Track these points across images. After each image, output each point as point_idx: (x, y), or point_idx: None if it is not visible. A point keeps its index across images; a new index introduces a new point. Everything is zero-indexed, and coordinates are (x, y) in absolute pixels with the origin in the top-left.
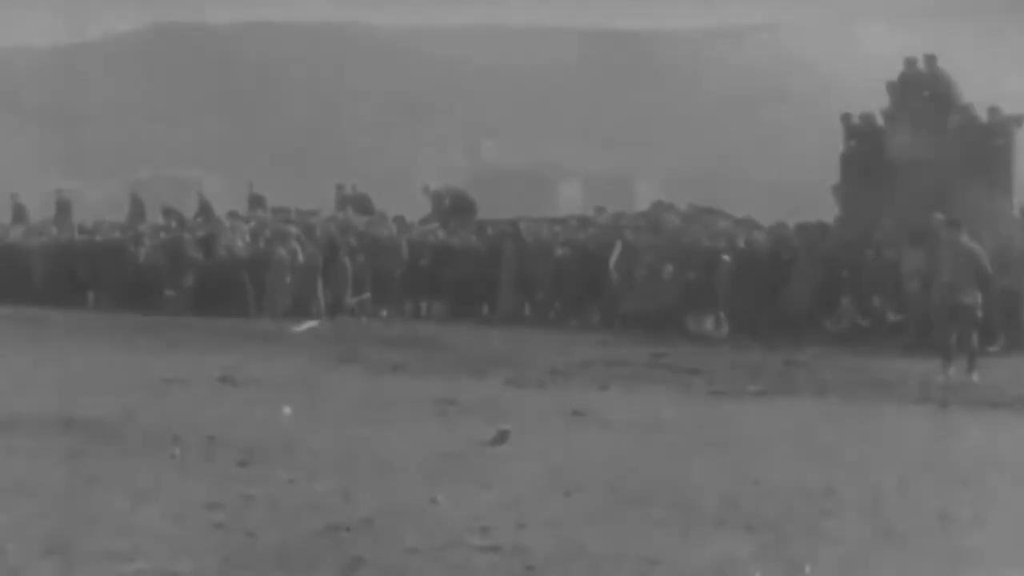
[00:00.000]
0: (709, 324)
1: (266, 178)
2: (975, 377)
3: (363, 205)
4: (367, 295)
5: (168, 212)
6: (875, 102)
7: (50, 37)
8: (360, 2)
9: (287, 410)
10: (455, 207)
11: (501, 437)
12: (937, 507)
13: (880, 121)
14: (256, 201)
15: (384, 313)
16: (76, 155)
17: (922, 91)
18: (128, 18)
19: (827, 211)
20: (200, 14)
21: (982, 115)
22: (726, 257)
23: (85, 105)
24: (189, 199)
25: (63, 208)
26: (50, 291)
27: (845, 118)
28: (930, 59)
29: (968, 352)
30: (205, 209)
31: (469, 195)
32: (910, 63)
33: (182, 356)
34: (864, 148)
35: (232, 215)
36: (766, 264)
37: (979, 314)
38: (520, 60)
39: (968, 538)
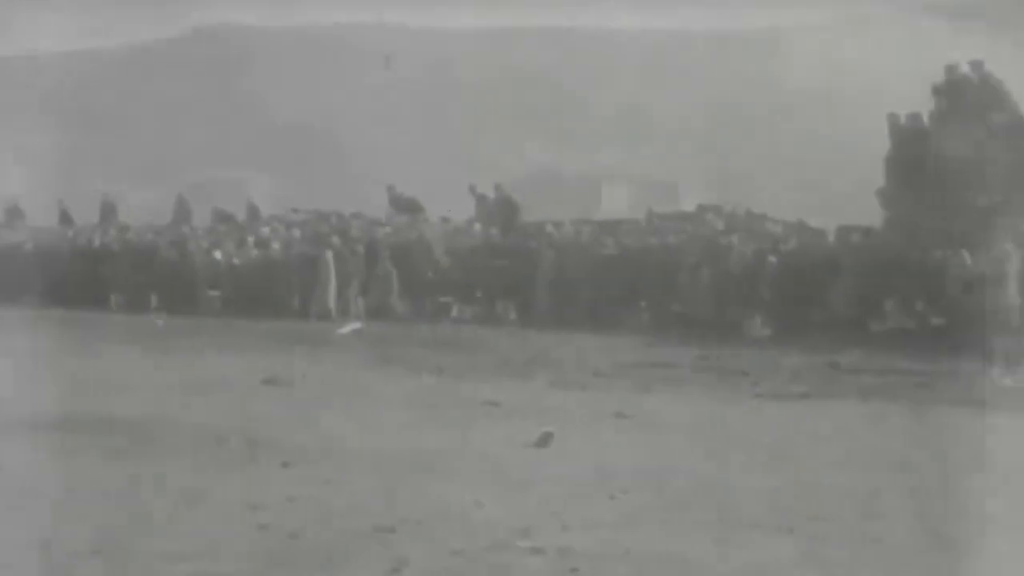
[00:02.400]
0: (755, 326)
1: (314, 180)
2: (1011, 380)
3: (411, 207)
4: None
5: (219, 214)
6: (922, 103)
7: (95, 41)
8: (404, 4)
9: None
10: (500, 209)
11: (545, 439)
12: (981, 509)
13: (926, 122)
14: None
15: (426, 315)
16: (121, 158)
17: (969, 93)
18: (174, 22)
19: (874, 213)
20: (245, 18)
21: None
22: (772, 259)
23: (130, 108)
24: (236, 200)
25: (107, 211)
26: (87, 293)
27: (891, 119)
28: (977, 65)
29: (1011, 355)
30: (253, 212)
31: (514, 197)
32: (951, 69)
33: (226, 357)
34: (910, 150)
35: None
36: (811, 266)
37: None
38: (565, 62)
39: (1013, 541)
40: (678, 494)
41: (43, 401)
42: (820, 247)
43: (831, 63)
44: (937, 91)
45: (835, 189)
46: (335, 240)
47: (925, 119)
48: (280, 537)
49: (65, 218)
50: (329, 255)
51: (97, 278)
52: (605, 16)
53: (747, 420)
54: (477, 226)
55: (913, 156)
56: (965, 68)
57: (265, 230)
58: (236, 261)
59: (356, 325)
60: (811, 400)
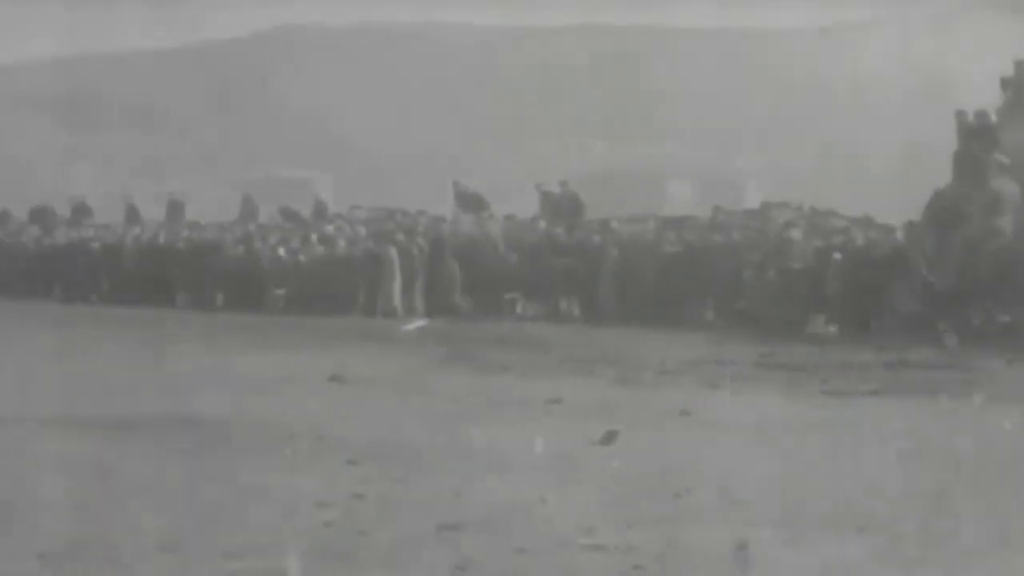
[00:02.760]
0: (820, 323)
1: (380, 178)
2: None
3: (476, 203)
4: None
5: (285, 212)
6: (991, 100)
7: (163, 40)
8: (473, 4)
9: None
10: (565, 206)
11: (609, 437)
12: None
13: (994, 120)
14: None
15: (491, 312)
16: (186, 156)
17: None
18: (245, 21)
19: None
20: (317, 15)
21: None
22: (838, 256)
23: (195, 107)
24: (302, 198)
25: (175, 209)
26: (154, 291)
27: (959, 116)
28: None
29: None
30: (320, 209)
31: (579, 195)
32: (1021, 65)
33: (292, 355)
34: (977, 147)
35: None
36: (878, 263)
37: None
38: (629, 59)
39: None
40: (744, 492)
41: (109, 399)
42: (887, 244)
43: (900, 59)
44: (1005, 84)
45: (903, 185)
46: (400, 237)
47: (993, 117)
48: (346, 535)
49: (132, 215)
50: (394, 252)
51: (164, 276)
52: (674, 13)
53: (814, 418)
54: (542, 223)
55: (980, 153)
56: None
57: (330, 228)
58: (302, 258)
59: (421, 322)
60: (879, 397)
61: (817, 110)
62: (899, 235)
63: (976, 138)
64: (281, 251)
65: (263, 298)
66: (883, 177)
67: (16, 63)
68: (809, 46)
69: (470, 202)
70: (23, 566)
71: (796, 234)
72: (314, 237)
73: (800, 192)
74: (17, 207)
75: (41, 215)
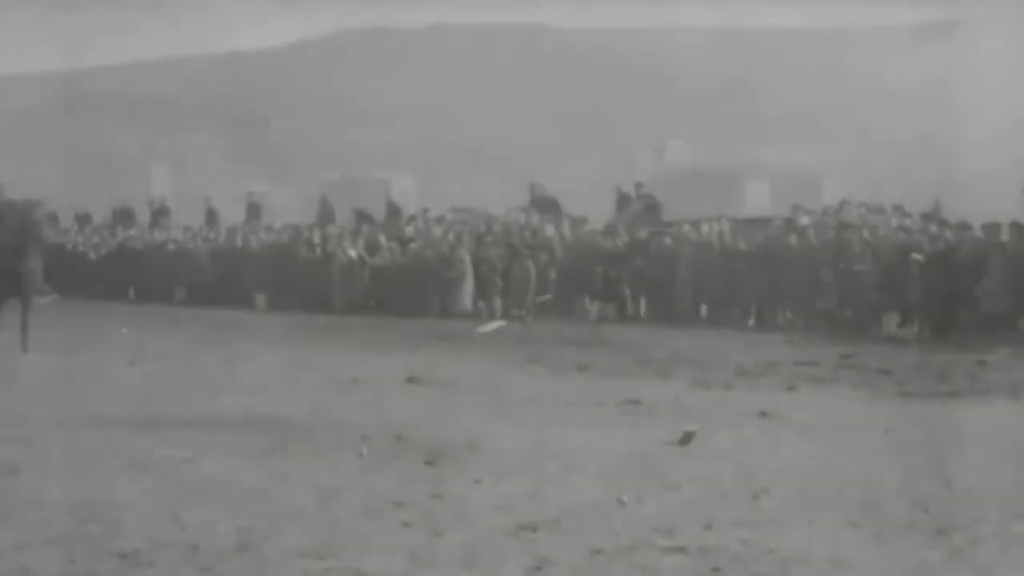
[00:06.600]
0: (899, 323)
1: (455, 179)
2: None
3: (551, 205)
4: (549, 296)
5: (359, 214)
6: None
7: (237, 43)
8: (547, 4)
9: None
10: (643, 208)
11: (687, 438)
12: None
13: None
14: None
15: (566, 313)
16: (266, 158)
17: None
18: (317, 23)
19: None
20: (389, 18)
21: None
22: (916, 256)
23: (274, 108)
24: (378, 200)
25: (254, 210)
26: (232, 292)
27: None
28: None
29: None
30: (393, 211)
31: (655, 196)
32: None
33: (368, 356)
34: None
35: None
36: (958, 263)
37: None
38: (701, 60)
39: None
40: (823, 494)
41: (187, 399)
42: (967, 243)
43: (989, 59)
44: None
45: (984, 184)
46: (475, 239)
47: None
48: (423, 535)
49: (211, 217)
50: (466, 253)
51: (242, 277)
52: (753, 13)
53: (893, 419)
54: (619, 226)
55: None
56: None
57: (405, 229)
58: (377, 260)
59: (498, 324)
60: (959, 399)
61: (899, 109)
62: (980, 234)
63: None
64: (356, 253)
65: (339, 300)
66: (966, 175)
67: (96, 66)
68: (879, 45)
69: (545, 204)
70: (105, 565)
71: (874, 233)
72: (391, 239)
73: (881, 190)
74: (98, 208)
75: (122, 216)
